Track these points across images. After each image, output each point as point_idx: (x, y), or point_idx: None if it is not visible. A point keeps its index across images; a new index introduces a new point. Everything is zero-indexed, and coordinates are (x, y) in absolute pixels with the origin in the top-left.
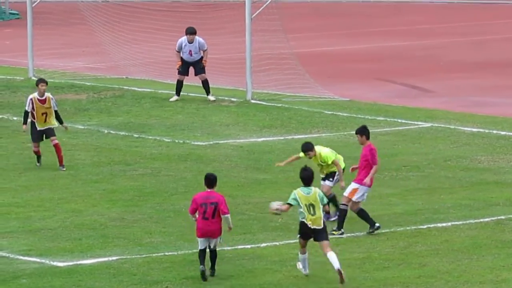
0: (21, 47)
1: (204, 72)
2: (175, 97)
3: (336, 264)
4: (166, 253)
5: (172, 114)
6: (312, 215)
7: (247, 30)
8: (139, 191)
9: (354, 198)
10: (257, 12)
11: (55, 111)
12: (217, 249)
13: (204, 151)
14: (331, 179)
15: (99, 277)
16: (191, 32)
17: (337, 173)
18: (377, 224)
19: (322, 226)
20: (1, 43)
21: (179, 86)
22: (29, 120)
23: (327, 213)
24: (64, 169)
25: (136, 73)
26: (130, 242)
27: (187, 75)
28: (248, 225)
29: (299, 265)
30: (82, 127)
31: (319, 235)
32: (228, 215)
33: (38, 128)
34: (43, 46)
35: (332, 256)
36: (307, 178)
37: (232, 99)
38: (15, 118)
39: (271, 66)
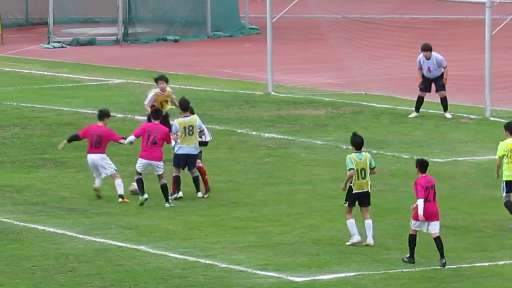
0: (260, 62)
1: (444, 90)
2: (414, 114)
3: (369, 238)
4: (404, 270)
5: (411, 131)
6: (363, 178)
7: (487, 47)
8: (377, 207)
9: None
10: (497, 29)
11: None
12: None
13: (442, 168)
14: None
15: None
16: (426, 48)
17: None
18: None
19: (368, 190)
20: (240, 57)
21: (419, 102)
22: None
23: None
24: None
25: (375, 89)
26: (367, 258)
27: (429, 91)
28: (486, 242)
29: (353, 240)
30: (321, 142)
31: (365, 199)
32: None
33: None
34: (282, 61)
35: (369, 224)
36: (359, 144)
37: (471, 116)
38: (253, 133)
39: (510, 83)
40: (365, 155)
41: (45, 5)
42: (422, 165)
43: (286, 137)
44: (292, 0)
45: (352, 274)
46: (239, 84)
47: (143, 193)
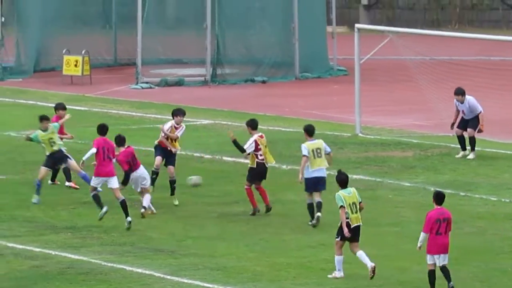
0: (348, 103)
1: (475, 130)
2: (461, 153)
3: (369, 263)
4: None
5: (499, 173)
6: (355, 212)
7: None
8: (464, 250)
9: None
10: None
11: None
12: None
13: None
14: None
15: None
16: (457, 92)
17: None
18: None
19: (360, 224)
20: (328, 99)
21: (461, 141)
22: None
23: None
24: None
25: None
26: None
27: (464, 130)
28: None
29: (336, 274)
30: (408, 184)
31: (357, 234)
32: None
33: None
34: (370, 103)
35: (362, 255)
36: (344, 181)
37: None
38: None
39: None
40: (353, 190)
41: (134, 46)
42: (438, 197)
43: (373, 178)
44: (380, 41)
45: None
46: (326, 126)
47: (101, 207)
